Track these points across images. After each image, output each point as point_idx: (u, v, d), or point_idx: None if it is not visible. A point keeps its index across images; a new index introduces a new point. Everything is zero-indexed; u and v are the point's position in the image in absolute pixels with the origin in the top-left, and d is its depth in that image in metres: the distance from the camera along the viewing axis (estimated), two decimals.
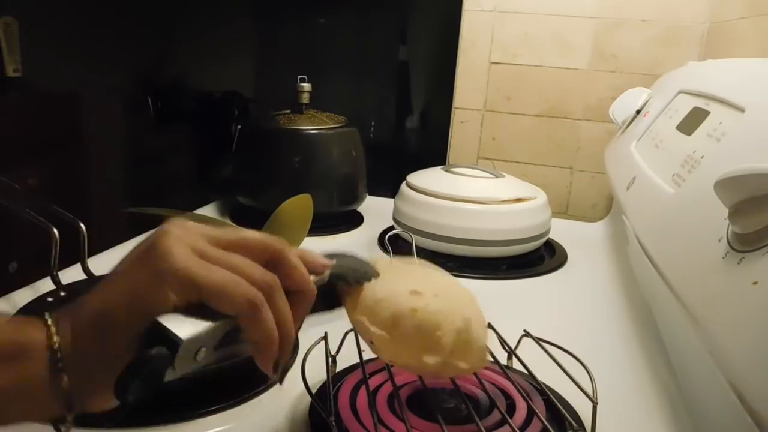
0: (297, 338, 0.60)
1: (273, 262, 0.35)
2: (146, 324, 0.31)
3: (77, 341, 0.32)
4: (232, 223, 0.96)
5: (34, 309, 0.60)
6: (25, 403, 0.32)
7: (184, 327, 0.31)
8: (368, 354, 0.53)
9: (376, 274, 0.44)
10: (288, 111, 1.02)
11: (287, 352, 0.35)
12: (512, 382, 0.50)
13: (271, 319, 0.34)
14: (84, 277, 0.71)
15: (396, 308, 0.41)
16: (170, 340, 0.31)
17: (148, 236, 0.34)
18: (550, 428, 0.44)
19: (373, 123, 1.30)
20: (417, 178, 0.93)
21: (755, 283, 0.38)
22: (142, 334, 0.31)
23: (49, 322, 0.33)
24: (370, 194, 1.08)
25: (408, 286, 0.43)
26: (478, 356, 0.43)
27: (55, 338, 0.32)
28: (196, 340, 0.32)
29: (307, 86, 1.01)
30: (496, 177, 0.91)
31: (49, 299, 0.62)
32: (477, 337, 0.42)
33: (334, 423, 0.44)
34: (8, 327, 0.33)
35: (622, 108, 1.01)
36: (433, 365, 0.41)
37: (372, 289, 0.43)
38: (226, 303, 0.32)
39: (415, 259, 0.48)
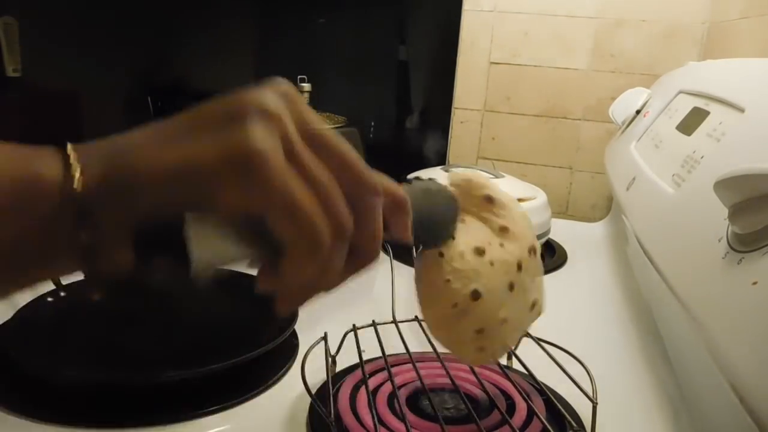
0: (297, 336, 0.60)
1: (356, 202, 0.28)
2: (176, 210, 0.26)
3: (102, 193, 0.25)
4: None
5: (34, 309, 0.60)
6: (33, 256, 0.26)
7: (209, 243, 0.26)
8: (368, 354, 0.53)
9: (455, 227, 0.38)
10: None
11: (309, 300, 0.30)
12: (512, 382, 0.50)
13: (324, 267, 0.27)
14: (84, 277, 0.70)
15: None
16: (181, 257, 0.26)
17: (233, 98, 0.27)
18: (550, 428, 0.44)
19: (373, 123, 1.30)
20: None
21: (755, 283, 0.38)
22: (160, 220, 0.26)
23: (71, 157, 0.25)
24: None
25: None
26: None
27: (77, 180, 0.25)
28: (208, 266, 0.26)
29: (307, 86, 1.01)
30: (496, 177, 0.91)
31: (49, 299, 0.62)
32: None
33: (333, 423, 0.44)
34: (12, 155, 0.26)
35: (622, 108, 1.01)
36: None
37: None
38: (291, 231, 0.26)
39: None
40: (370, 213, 0.28)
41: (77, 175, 0.25)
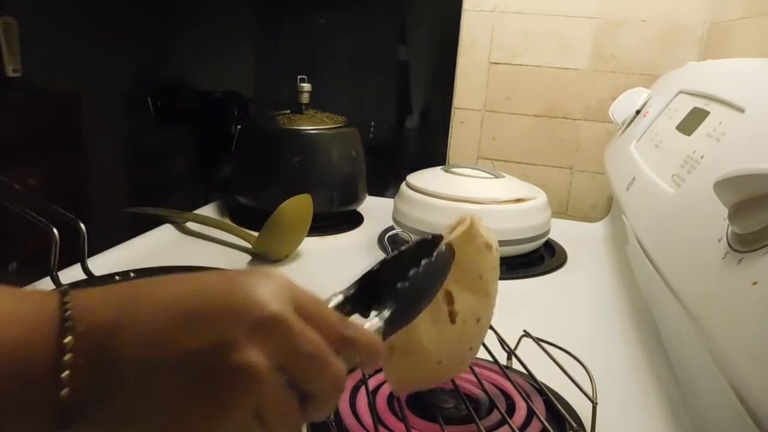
0: None
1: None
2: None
3: (88, 405, 0.25)
4: (231, 223, 0.96)
5: None
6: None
7: None
8: None
9: None
10: (288, 111, 1.02)
11: None
12: (512, 383, 0.50)
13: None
14: (84, 277, 0.71)
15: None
16: None
17: (233, 275, 0.28)
18: (550, 428, 0.44)
19: (373, 123, 1.30)
20: (417, 178, 0.93)
21: (755, 283, 0.38)
22: None
23: (68, 345, 0.25)
24: (370, 194, 1.08)
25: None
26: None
27: (65, 381, 0.24)
28: None
29: (307, 86, 1.01)
30: (496, 177, 0.91)
31: None
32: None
33: (333, 423, 0.44)
34: (15, 310, 0.26)
35: (621, 108, 1.01)
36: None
37: None
38: (315, 378, 0.28)
39: None
40: (327, 402, 0.30)
41: (65, 377, 0.25)
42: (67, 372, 0.25)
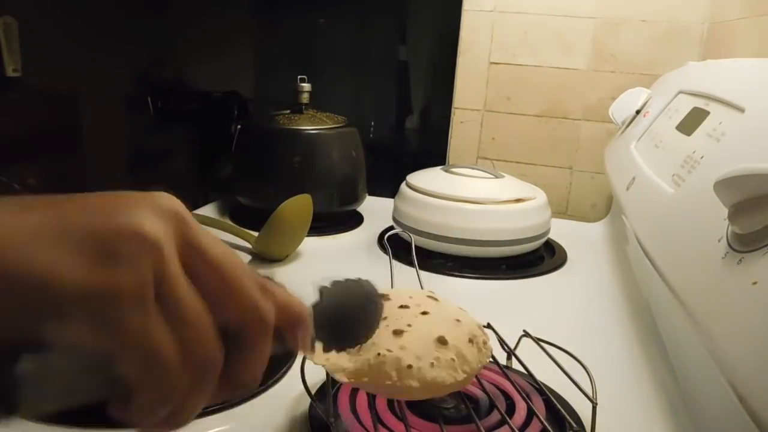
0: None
1: (238, 329, 0.26)
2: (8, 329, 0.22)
3: None
4: (232, 223, 0.96)
5: None
6: None
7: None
8: None
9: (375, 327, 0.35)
10: (288, 111, 1.02)
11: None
12: (512, 383, 0.50)
13: (179, 409, 0.25)
14: None
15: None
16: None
17: (115, 211, 0.23)
18: (550, 429, 0.44)
19: (373, 123, 1.30)
20: (417, 178, 0.93)
21: (755, 283, 0.37)
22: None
23: None
24: (370, 194, 1.08)
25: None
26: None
27: None
28: (37, 408, 0.23)
29: (307, 86, 1.01)
30: (496, 177, 0.91)
31: None
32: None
33: (333, 423, 0.44)
34: None
35: (621, 108, 1.01)
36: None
37: None
38: (141, 378, 0.23)
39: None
40: (250, 342, 0.26)
41: None
42: None
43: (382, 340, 0.42)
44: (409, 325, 0.43)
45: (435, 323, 0.44)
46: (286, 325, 0.28)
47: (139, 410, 0.24)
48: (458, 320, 0.45)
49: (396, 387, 0.41)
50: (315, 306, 0.31)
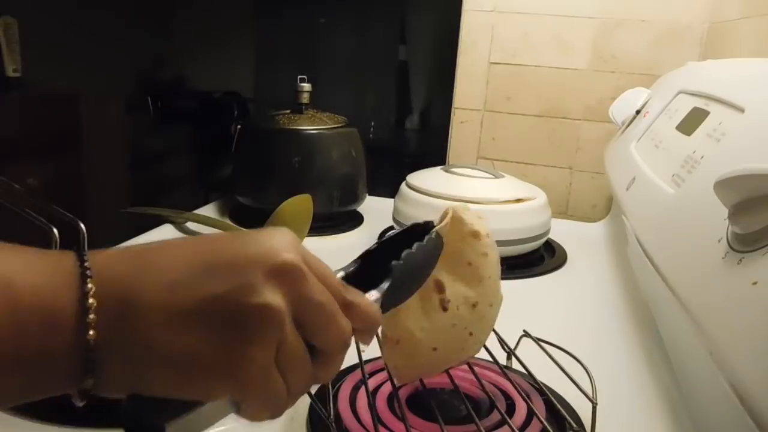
0: None
1: (324, 348, 0.32)
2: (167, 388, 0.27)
3: (112, 349, 0.26)
4: (231, 223, 0.96)
5: None
6: (30, 381, 0.26)
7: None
8: (368, 354, 0.53)
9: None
10: (288, 111, 1.02)
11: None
12: (512, 383, 0.50)
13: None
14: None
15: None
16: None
17: (244, 232, 0.30)
18: (550, 429, 0.44)
19: (373, 123, 1.30)
20: (417, 178, 0.93)
21: (755, 283, 0.37)
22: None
23: (89, 294, 0.25)
24: (370, 194, 1.08)
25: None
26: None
27: (91, 331, 0.25)
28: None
29: (307, 86, 1.01)
30: (496, 177, 0.91)
31: None
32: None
33: (333, 423, 0.44)
34: (27, 273, 0.25)
35: (621, 108, 1.01)
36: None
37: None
38: (324, 329, 0.30)
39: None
40: (333, 356, 0.31)
41: (92, 320, 0.25)
42: (92, 316, 0.25)
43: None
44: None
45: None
46: (363, 329, 0.33)
47: (245, 415, 0.30)
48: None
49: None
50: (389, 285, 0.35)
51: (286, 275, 0.28)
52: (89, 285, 0.25)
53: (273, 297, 0.27)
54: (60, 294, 0.25)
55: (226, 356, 0.27)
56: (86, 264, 0.26)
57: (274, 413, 0.30)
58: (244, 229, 0.88)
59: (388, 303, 0.35)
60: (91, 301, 0.25)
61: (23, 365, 0.25)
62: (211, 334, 0.27)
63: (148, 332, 0.26)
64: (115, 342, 0.26)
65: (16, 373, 0.25)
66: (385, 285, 0.34)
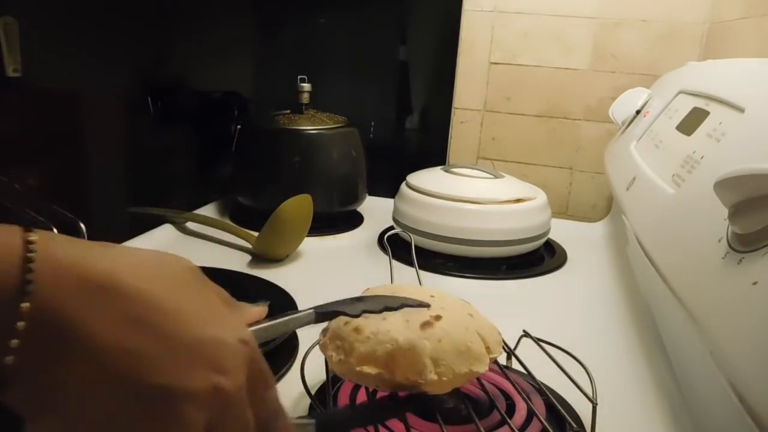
0: (297, 336, 0.60)
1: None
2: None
3: (32, 378, 0.24)
4: (232, 223, 0.96)
5: None
6: None
7: None
8: None
9: None
10: (288, 111, 1.02)
11: None
12: (512, 383, 0.49)
13: None
14: None
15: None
16: None
17: (209, 308, 0.29)
18: (550, 429, 0.44)
19: (373, 123, 1.30)
20: (417, 178, 0.93)
21: (755, 283, 0.37)
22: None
23: (26, 297, 0.23)
24: (370, 194, 1.08)
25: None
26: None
27: (11, 354, 0.23)
28: None
29: (307, 86, 1.01)
30: (496, 177, 0.91)
31: None
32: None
33: None
34: None
35: (622, 108, 1.01)
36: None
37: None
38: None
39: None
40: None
41: (14, 344, 0.22)
42: (16, 341, 0.23)
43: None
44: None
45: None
46: None
47: None
48: (470, 314, 0.45)
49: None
50: None
51: (223, 402, 0.28)
52: (26, 304, 0.23)
53: (198, 416, 0.27)
54: None
55: (206, 387, 0.27)
56: (30, 276, 0.23)
57: None
58: (244, 229, 0.89)
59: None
60: (20, 325, 0.23)
61: None
62: (125, 412, 0.25)
63: (64, 394, 0.24)
64: (30, 377, 0.23)
65: None
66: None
